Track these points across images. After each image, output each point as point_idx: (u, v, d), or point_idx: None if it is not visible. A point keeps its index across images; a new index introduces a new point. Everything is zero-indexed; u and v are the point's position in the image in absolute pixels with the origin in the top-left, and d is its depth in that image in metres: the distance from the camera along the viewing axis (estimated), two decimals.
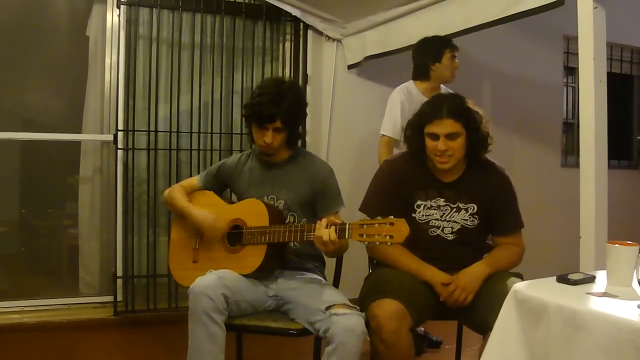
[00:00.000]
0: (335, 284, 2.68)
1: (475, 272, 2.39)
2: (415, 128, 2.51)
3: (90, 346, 3.74)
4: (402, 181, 2.55)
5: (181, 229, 2.68)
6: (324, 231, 2.23)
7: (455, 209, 2.51)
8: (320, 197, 2.56)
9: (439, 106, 2.44)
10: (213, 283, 2.27)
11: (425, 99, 3.57)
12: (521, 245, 2.57)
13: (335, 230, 2.22)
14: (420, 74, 3.72)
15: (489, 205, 2.52)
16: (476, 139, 2.45)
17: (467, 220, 2.51)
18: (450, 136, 2.40)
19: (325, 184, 2.58)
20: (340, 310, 2.23)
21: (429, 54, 3.66)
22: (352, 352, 2.16)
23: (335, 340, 2.16)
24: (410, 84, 3.74)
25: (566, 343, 1.67)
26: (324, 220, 2.27)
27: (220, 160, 3.10)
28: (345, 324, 2.17)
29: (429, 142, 2.45)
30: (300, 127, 2.61)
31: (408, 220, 2.31)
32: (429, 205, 2.51)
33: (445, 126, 2.40)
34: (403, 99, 3.66)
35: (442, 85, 3.77)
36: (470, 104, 2.48)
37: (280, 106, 2.46)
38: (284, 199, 2.58)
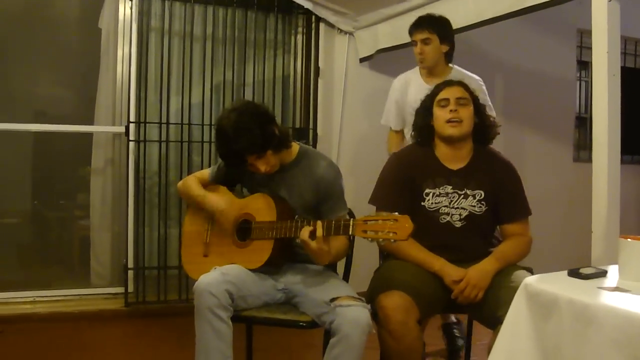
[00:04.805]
0: (346, 277, 2.68)
1: (485, 268, 2.38)
2: (424, 108, 2.60)
3: (101, 337, 3.77)
4: (410, 171, 2.56)
5: (194, 221, 2.68)
6: (304, 231, 2.23)
7: (462, 196, 2.51)
8: (323, 202, 2.51)
9: (450, 80, 2.62)
10: (216, 280, 2.27)
11: (424, 84, 3.49)
12: (528, 235, 2.56)
13: (331, 228, 2.21)
14: None
15: (496, 191, 2.53)
16: (483, 119, 2.57)
17: (474, 206, 2.51)
18: (460, 100, 2.49)
19: (329, 188, 2.50)
20: (345, 302, 2.22)
21: None
22: (356, 343, 2.15)
23: (340, 331, 2.16)
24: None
25: (577, 337, 1.66)
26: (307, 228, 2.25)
27: None
28: (350, 316, 2.17)
29: (440, 112, 2.51)
30: (275, 131, 2.40)
31: (418, 209, 2.29)
32: (438, 193, 2.51)
33: (456, 91, 2.53)
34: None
35: (467, 72, 3.52)
36: None
37: (239, 143, 2.31)
38: (289, 202, 2.56)
